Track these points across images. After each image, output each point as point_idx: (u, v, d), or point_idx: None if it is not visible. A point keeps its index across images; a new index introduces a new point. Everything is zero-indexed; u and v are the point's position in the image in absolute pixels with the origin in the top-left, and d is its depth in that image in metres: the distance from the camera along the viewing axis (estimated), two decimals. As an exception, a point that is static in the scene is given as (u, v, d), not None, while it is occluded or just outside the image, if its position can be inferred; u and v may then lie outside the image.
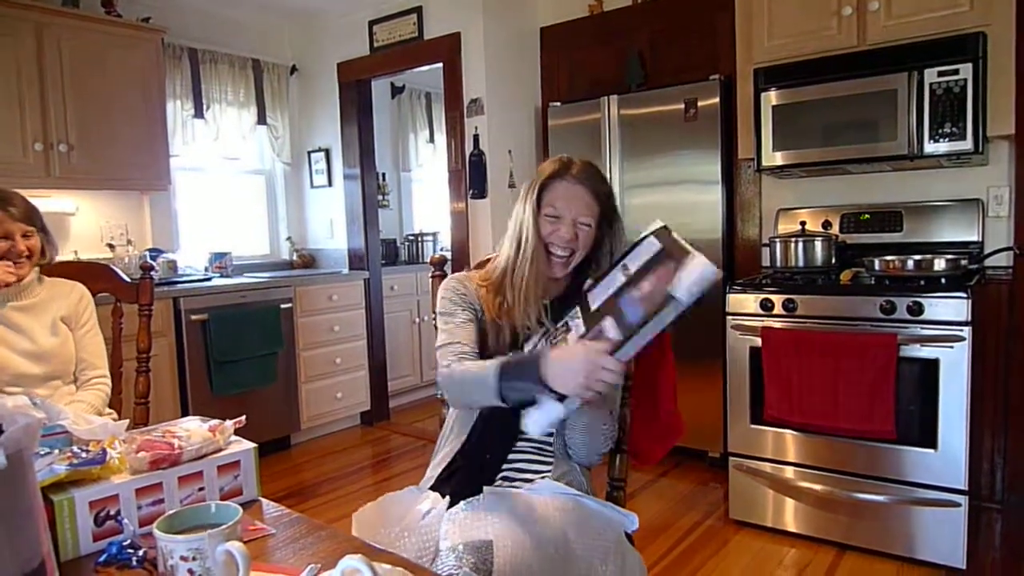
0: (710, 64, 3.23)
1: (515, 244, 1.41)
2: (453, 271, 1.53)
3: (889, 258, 2.53)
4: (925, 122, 2.46)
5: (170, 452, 1.08)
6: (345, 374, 4.10)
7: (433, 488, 1.35)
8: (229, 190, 4.43)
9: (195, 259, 4.03)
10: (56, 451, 1.06)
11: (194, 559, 0.83)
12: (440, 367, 1.34)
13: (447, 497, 1.30)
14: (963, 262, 2.49)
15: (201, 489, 1.11)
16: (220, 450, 1.15)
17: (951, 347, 2.22)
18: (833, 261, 2.79)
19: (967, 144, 2.41)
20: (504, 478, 1.35)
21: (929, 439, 2.28)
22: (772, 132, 2.79)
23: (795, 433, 2.53)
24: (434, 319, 1.49)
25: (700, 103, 3.16)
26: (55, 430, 1.20)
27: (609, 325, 1.12)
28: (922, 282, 2.37)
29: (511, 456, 1.38)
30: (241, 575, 0.78)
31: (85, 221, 3.60)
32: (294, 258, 4.63)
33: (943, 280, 2.36)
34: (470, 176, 3.70)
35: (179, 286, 3.41)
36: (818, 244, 2.78)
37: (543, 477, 1.34)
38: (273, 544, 1.01)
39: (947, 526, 2.27)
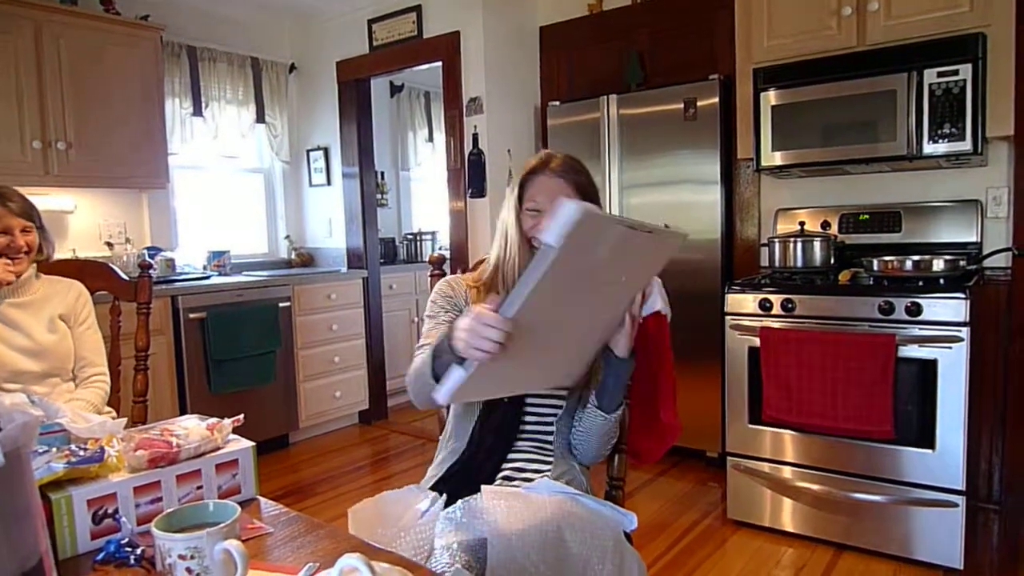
0: (709, 64, 3.23)
1: (502, 241, 1.42)
2: (452, 270, 1.53)
3: (888, 258, 2.53)
4: (924, 123, 2.46)
5: (168, 450, 1.08)
6: (343, 373, 4.09)
7: (433, 488, 1.36)
8: (228, 188, 4.43)
9: (193, 257, 4.02)
10: (54, 449, 1.06)
11: (192, 557, 0.83)
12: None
13: (444, 496, 1.30)
14: (962, 263, 2.49)
15: (199, 487, 1.10)
16: (218, 448, 1.15)
17: (949, 348, 2.22)
18: (832, 261, 2.79)
19: (966, 145, 2.41)
20: (504, 477, 1.35)
21: (927, 440, 2.28)
22: (771, 132, 2.79)
23: (793, 433, 2.53)
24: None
25: (699, 103, 3.16)
26: (53, 428, 1.20)
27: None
28: (920, 283, 2.37)
29: (511, 455, 1.38)
30: (239, 574, 0.78)
31: (83, 219, 3.59)
32: (292, 257, 4.63)
33: (942, 281, 2.37)
34: (469, 175, 3.70)
35: (177, 284, 3.40)
36: (817, 244, 2.78)
37: (543, 476, 1.34)
38: (271, 543, 1.01)
39: (944, 526, 2.27)
